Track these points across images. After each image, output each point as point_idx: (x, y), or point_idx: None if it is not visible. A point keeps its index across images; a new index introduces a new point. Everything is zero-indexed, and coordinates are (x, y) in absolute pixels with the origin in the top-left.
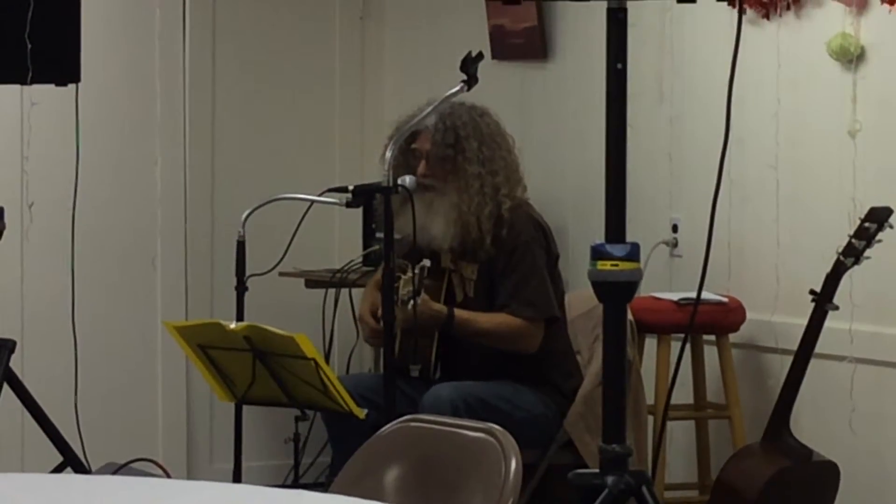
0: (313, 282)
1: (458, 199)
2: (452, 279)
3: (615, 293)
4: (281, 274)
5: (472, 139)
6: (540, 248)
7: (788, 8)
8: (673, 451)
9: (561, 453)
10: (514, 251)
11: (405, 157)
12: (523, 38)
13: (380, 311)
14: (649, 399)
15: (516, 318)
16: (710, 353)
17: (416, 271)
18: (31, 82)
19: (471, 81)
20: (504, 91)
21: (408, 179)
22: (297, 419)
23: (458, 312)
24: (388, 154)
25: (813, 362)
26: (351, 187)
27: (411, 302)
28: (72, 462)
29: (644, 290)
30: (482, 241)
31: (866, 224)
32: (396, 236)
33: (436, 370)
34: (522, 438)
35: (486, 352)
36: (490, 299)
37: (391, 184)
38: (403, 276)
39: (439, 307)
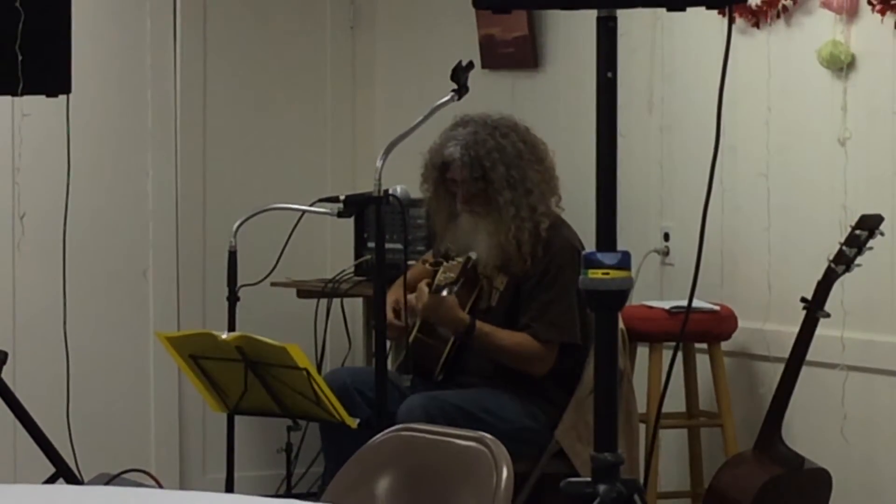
0: (305, 292)
1: (496, 229)
2: (484, 285)
3: (606, 301)
4: (273, 284)
5: (498, 165)
6: (573, 272)
7: (778, 16)
8: (665, 459)
9: (553, 462)
10: (546, 273)
11: (445, 186)
12: (514, 47)
13: (400, 306)
14: (641, 407)
15: (535, 342)
16: (702, 362)
17: (460, 260)
18: (23, 93)
19: (461, 91)
20: (494, 100)
21: (399, 189)
22: (289, 429)
23: (480, 325)
24: (379, 163)
25: (804, 370)
26: (342, 197)
27: (445, 290)
28: (64, 473)
29: (636, 299)
30: (523, 262)
31: (857, 231)
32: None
33: (441, 373)
34: (507, 449)
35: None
36: (511, 313)
37: (382, 193)
38: (446, 263)
39: (463, 315)
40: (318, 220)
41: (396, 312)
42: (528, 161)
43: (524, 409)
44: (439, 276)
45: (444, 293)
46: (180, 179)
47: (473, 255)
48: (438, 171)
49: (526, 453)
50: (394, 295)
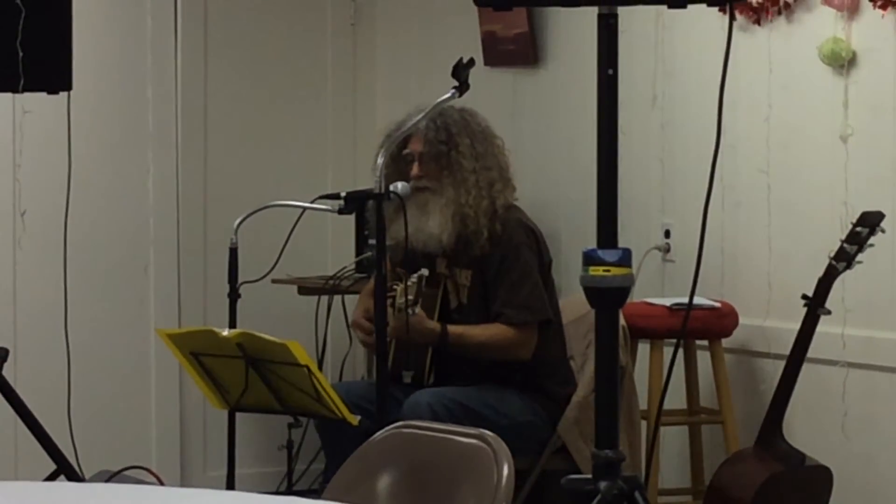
0: (306, 289)
1: (455, 194)
2: (447, 286)
3: (607, 299)
4: (274, 281)
5: (464, 135)
6: (531, 252)
7: (779, 13)
8: (666, 456)
9: (555, 459)
10: (505, 257)
11: (397, 163)
12: (515, 44)
13: (371, 315)
14: (642, 404)
15: (510, 328)
16: (703, 358)
17: (414, 280)
18: (23, 90)
19: (462, 88)
20: (496, 97)
21: (399, 186)
22: (290, 426)
23: (452, 329)
24: (380, 160)
25: (805, 367)
26: (343, 194)
27: (407, 311)
28: (65, 470)
29: (637, 296)
30: (479, 235)
31: (858, 228)
32: (389, 242)
33: (430, 376)
34: (507, 445)
35: (481, 358)
36: (485, 304)
37: (383, 190)
38: (400, 285)
39: (433, 325)
40: (319, 216)
41: (370, 321)
42: (490, 142)
43: (525, 404)
44: (398, 300)
45: (410, 312)
46: (181, 176)
47: (425, 272)
48: (397, 147)
49: (526, 448)
50: (363, 304)
